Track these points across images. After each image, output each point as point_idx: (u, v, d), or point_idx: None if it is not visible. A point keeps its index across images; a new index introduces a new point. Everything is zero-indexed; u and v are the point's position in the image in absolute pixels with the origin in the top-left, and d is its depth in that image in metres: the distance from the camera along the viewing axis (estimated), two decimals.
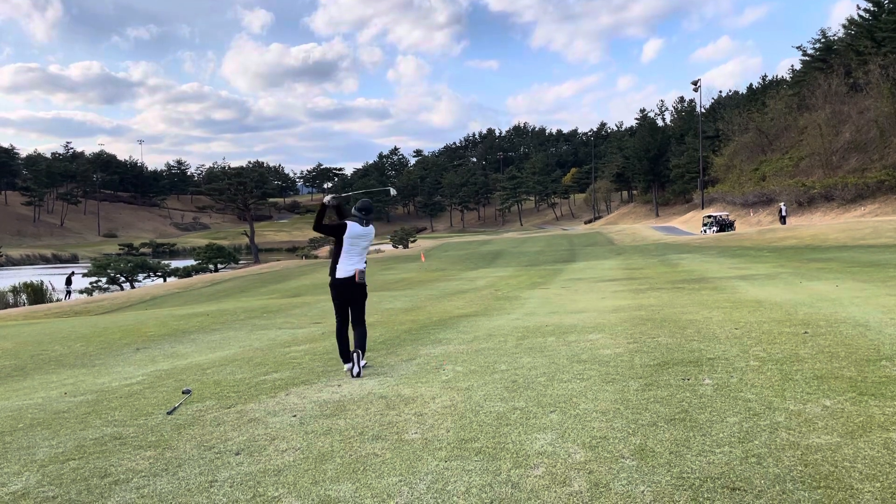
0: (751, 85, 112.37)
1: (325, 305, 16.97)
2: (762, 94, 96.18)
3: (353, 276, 6.48)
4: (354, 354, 6.36)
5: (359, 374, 6.24)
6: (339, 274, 6.59)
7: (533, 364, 6.20)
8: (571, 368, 5.88)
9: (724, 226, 50.99)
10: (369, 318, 13.16)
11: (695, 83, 77.96)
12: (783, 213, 50.47)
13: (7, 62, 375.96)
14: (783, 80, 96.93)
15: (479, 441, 4.01)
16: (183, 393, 6.11)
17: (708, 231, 51.92)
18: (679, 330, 7.78)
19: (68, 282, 40.04)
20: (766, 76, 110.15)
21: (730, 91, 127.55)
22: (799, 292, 13.17)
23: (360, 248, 6.57)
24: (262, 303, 20.44)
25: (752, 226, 54.14)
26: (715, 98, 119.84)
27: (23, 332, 13.78)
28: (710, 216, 53.75)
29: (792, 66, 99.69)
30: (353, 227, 6.60)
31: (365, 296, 6.66)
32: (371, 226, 6.71)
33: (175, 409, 5.42)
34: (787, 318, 8.47)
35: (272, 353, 8.64)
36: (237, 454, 4.07)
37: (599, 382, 5.29)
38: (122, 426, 5.01)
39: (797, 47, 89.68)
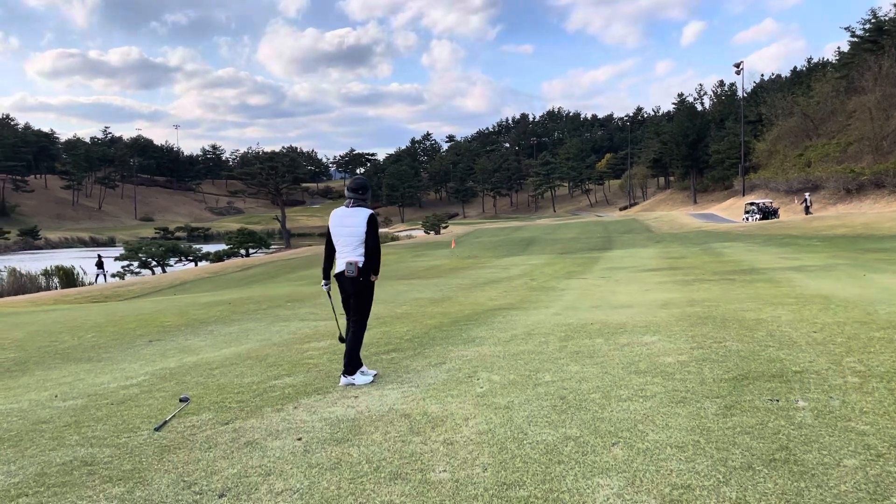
0: (795, 68, 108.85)
1: None
2: (807, 77, 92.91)
3: (344, 269, 5.62)
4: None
5: (349, 384, 5.51)
6: (336, 269, 5.80)
7: (582, 374, 5.29)
8: (630, 381, 4.96)
9: (768, 213, 49.13)
10: (397, 308, 12.36)
11: (737, 65, 75.46)
12: (807, 204, 49.04)
13: (48, 48, 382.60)
14: (829, 63, 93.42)
15: (525, 487, 3.14)
16: (180, 401, 5.35)
17: (750, 219, 50.09)
18: (747, 332, 6.80)
19: (99, 265, 40.15)
20: (811, 59, 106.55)
21: (772, 74, 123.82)
22: (867, 286, 12.01)
23: (344, 237, 5.63)
24: (288, 290, 19.81)
25: (797, 213, 52.09)
26: (757, 82, 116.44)
27: (39, 319, 13.28)
28: (752, 203, 51.86)
29: (838, 48, 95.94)
30: (334, 212, 5.81)
31: (362, 294, 5.66)
32: (360, 208, 5.69)
33: (165, 423, 4.66)
34: (869, 318, 7.42)
35: (289, 350, 7.87)
36: (221, 496, 3.26)
37: (667, 402, 4.37)
38: (100, 446, 4.25)
39: (845, 28, 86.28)
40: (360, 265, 5.56)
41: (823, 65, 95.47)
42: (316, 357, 7.13)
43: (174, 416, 4.86)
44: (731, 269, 18.35)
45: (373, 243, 5.62)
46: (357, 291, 5.63)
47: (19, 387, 6.90)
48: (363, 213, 5.63)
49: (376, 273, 5.68)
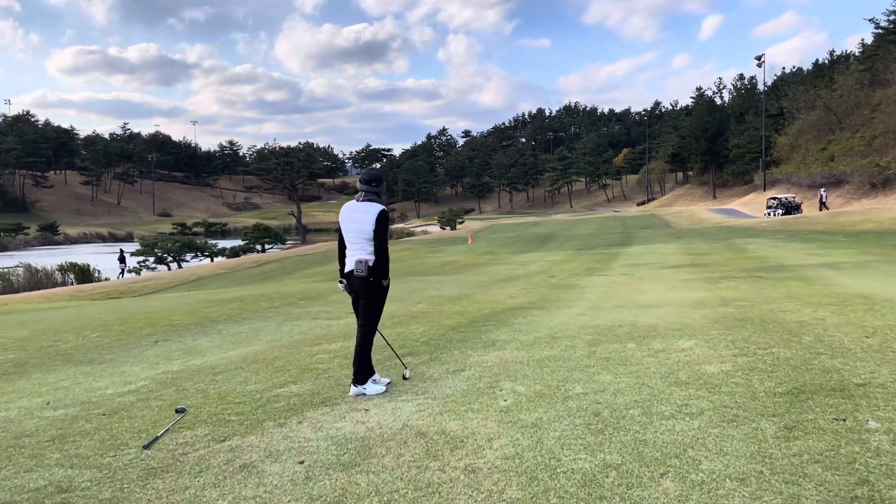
0: (817, 60, 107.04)
1: None
2: (829, 69, 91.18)
3: (353, 269, 5.16)
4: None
5: (360, 395, 5.07)
6: (346, 268, 5.34)
7: (617, 385, 4.79)
8: (671, 395, 4.45)
9: (791, 208, 48.11)
10: (413, 306, 11.87)
11: (758, 58, 74.20)
12: (823, 199, 48.13)
13: (68, 45, 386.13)
14: (852, 56, 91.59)
15: None
16: (176, 412, 4.92)
17: (772, 214, 49.10)
18: (792, 337, 6.25)
19: (121, 259, 40.36)
20: (833, 51, 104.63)
21: (793, 68, 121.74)
22: None
23: (352, 233, 5.16)
24: (302, 287, 19.40)
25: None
26: (778, 75, 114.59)
27: (46, 317, 12.97)
28: (774, 198, 50.85)
29: (862, 40, 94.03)
30: (345, 206, 5.36)
31: (372, 296, 5.17)
32: (371, 203, 5.19)
33: (156, 439, 4.22)
34: None
35: (298, 353, 7.43)
36: None
37: (717, 421, 3.86)
38: (81, 467, 3.82)
39: (869, 20, 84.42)
40: (371, 264, 5.09)
41: (846, 57, 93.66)
42: (326, 361, 6.68)
43: (167, 430, 4.43)
44: (757, 266, 17.71)
45: (380, 243, 5.12)
46: (367, 292, 5.16)
47: (13, 392, 6.52)
48: (373, 209, 5.13)
49: (384, 277, 5.18)
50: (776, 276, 14.56)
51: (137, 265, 41.61)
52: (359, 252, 5.14)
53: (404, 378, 5.48)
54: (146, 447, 4.07)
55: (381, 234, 5.10)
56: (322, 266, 34.49)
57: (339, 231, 5.42)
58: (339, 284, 5.44)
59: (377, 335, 5.35)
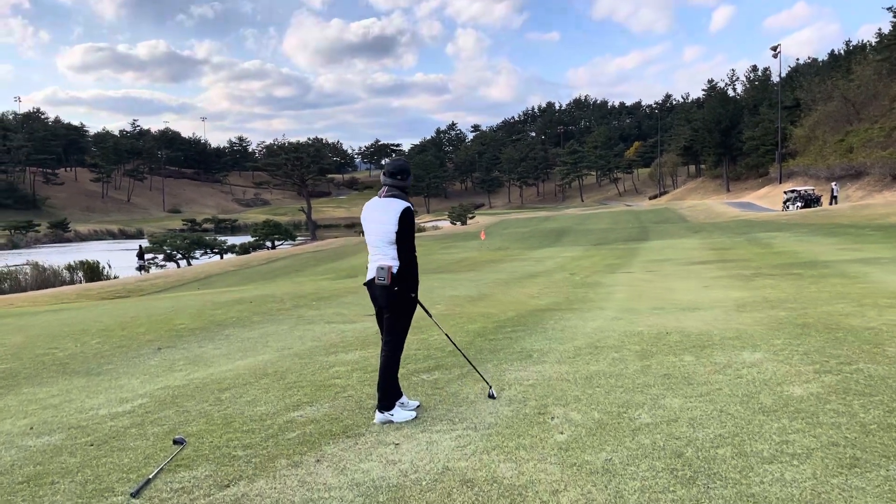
0: (833, 51, 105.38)
1: None
2: (846, 60, 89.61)
3: (375, 276, 4.44)
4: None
5: (387, 421, 4.37)
6: (368, 274, 4.61)
7: (691, 413, 4.06)
8: (762, 427, 3.72)
9: (810, 201, 47.03)
10: (431, 307, 11.01)
11: (774, 48, 72.93)
12: (834, 194, 47.30)
13: (77, 42, 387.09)
14: (868, 45, 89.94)
15: None
16: (174, 443, 4.23)
17: (791, 207, 48.05)
18: (873, 347, 5.50)
19: (140, 256, 40.27)
20: (849, 41, 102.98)
21: (807, 59, 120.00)
22: None
23: (373, 235, 4.45)
24: (314, 286, 18.74)
25: (841, 201, 49.88)
26: (792, 66, 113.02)
27: (45, 321, 12.35)
28: (793, 190, 49.77)
29: (879, 29, 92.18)
30: (368, 203, 4.62)
31: (396, 308, 4.44)
32: (394, 199, 4.45)
33: (147, 483, 3.53)
34: None
35: (312, 364, 6.75)
36: None
37: (834, 466, 3.13)
38: None
39: (888, 8, 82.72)
40: (395, 271, 4.37)
41: (863, 47, 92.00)
42: (344, 376, 5.98)
43: (161, 469, 3.74)
44: (789, 262, 16.90)
45: (405, 247, 4.38)
46: (391, 304, 4.43)
47: None
48: (396, 207, 4.38)
49: (412, 289, 4.45)
50: (813, 274, 13.76)
51: (147, 262, 41.12)
52: (381, 257, 4.43)
53: (491, 397, 4.76)
54: (134, 495, 3.38)
55: (406, 236, 4.37)
56: (333, 263, 33.86)
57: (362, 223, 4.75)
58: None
59: (405, 345, 4.60)
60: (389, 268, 4.33)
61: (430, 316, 4.88)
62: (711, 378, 4.83)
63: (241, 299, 14.25)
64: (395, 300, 4.39)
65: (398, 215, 4.35)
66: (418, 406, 4.64)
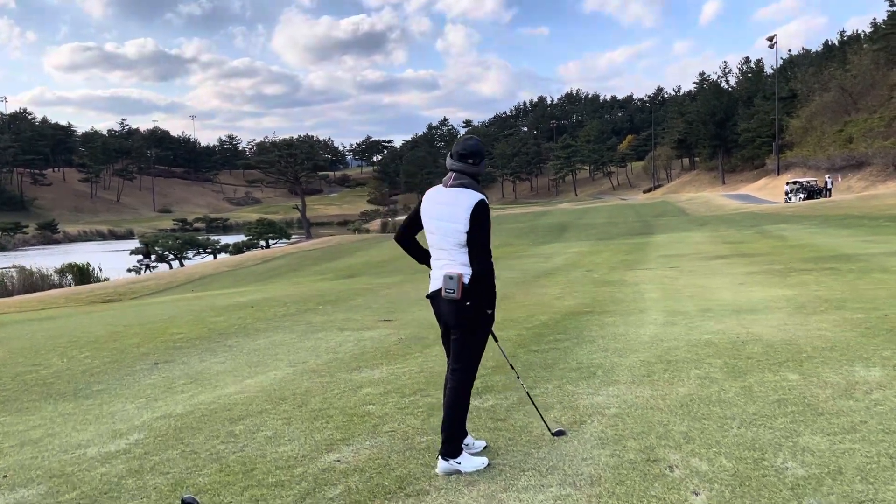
0: (827, 41, 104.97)
1: (391, 293, 14.21)
2: (839, 50, 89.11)
3: (440, 289, 3.53)
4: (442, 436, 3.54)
5: (453, 472, 3.44)
6: (430, 285, 3.71)
7: (852, 459, 3.18)
8: None
9: (813, 192, 46.39)
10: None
11: (770, 39, 72.35)
12: (829, 186, 46.96)
13: (64, 41, 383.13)
14: (866, 35, 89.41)
15: None
16: None
17: (793, 199, 47.39)
18: None
19: (146, 254, 39.56)
20: (843, 31, 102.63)
21: (801, 50, 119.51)
22: None
23: (436, 234, 3.57)
24: (316, 287, 17.80)
25: (843, 192, 49.27)
26: (786, 58, 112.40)
27: (29, 330, 11.36)
28: (795, 182, 49.13)
29: (874, 18, 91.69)
30: (429, 192, 3.71)
31: (468, 329, 3.53)
32: (464, 189, 3.54)
33: None
34: None
35: (335, 384, 5.84)
36: None
37: None
38: None
39: None
40: (466, 281, 3.47)
41: (857, 37, 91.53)
42: (378, 401, 5.07)
43: None
44: (815, 256, 16.08)
45: (479, 251, 3.47)
46: (461, 323, 3.52)
47: None
48: (467, 200, 3.47)
49: (488, 304, 3.55)
50: (851, 268, 12.95)
51: (137, 264, 40.02)
52: (447, 263, 3.52)
53: (555, 434, 3.83)
54: None
55: (480, 236, 3.45)
56: (330, 262, 32.89)
57: (407, 219, 3.79)
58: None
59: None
60: (460, 277, 3.41)
61: (496, 340, 3.90)
62: (841, 405, 3.96)
63: (241, 303, 13.31)
64: (468, 318, 3.48)
65: (470, 210, 3.43)
66: (485, 447, 3.74)
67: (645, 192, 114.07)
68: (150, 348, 8.74)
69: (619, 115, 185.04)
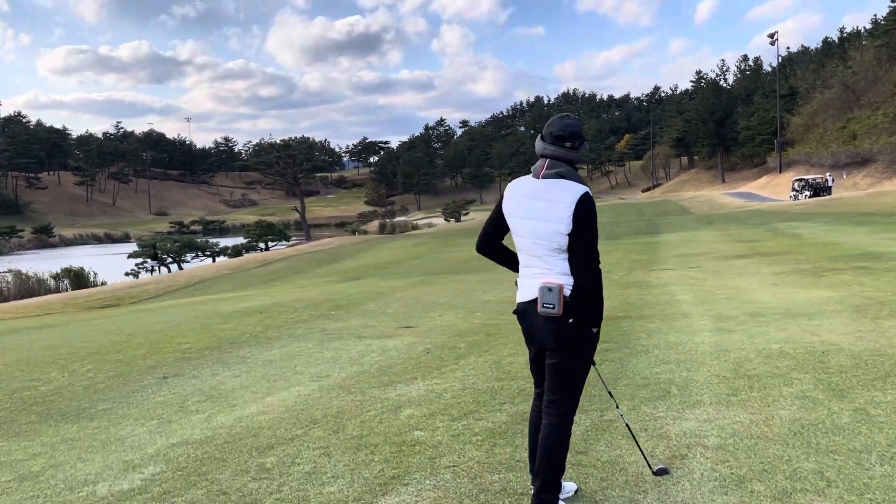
0: (826, 38, 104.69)
1: (405, 297, 13.57)
2: (839, 47, 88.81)
3: (534, 299, 2.90)
4: (533, 486, 2.90)
5: None
6: (518, 296, 3.05)
7: None
8: None
9: (819, 190, 45.91)
10: (473, 315, 9.32)
11: (771, 35, 71.93)
12: (829, 184, 46.70)
13: (59, 44, 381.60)
14: (864, 31, 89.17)
15: None
16: None
17: (800, 196, 46.89)
18: None
19: (153, 257, 39.12)
20: (843, 28, 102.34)
21: (800, 47, 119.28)
22: None
23: (528, 236, 2.91)
24: (323, 291, 17.18)
25: (849, 189, 48.79)
26: (784, 56, 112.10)
27: (25, 340, 10.71)
28: (801, 179, 48.64)
29: (875, 15, 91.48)
30: (513, 185, 3.04)
31: (570, 352, 2.89)
32: (563, 181, 2.87)
33: None
34: None
35: (369, 402, 5.23)
36: None
37: None
38: None
39: None
40: (568, 293, 2.85)
41: (857, 34, 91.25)
42: (424, 425, 4.46)
43: None
44: (843, 255, 15.51)
45: (585, 256, 2.83)
46: (562, 345, 2.88)
47: None
48: (568, 192, 2.82)
49: (594, 320, 2.90)
50: (886, 268, 12.38)
51: (135, 268, 39.33)
52: (542, 271, 2.90)
53: (656, 473, 3.16)
54: None
55: (587, 237, 2.81)
56: (333, 264, 32.22)
57: (490, 219, 3.13)
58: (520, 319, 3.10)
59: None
60: (560, 288, 2.80)
61: (594, 365, 3.20)
62: None
63: (249, 309, 12.68)
64: (571, 338, 2.86)
65: (573, 206, 2.79)
66: (576, 491, 3.13)
67: (644, 191, 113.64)
68: (157, 360, 8.12)
69: (617, 114, 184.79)
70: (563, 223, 2.80)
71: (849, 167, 54.14)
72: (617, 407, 3.33)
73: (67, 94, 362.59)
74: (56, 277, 32.05)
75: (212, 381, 6.88)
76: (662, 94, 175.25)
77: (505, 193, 3.05)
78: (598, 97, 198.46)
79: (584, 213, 2.78)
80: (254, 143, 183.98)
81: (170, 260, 41.26)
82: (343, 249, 39.75)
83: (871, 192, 41.62)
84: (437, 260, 27.58)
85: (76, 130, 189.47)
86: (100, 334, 10.62)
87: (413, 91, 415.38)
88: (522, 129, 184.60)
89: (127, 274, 38.26)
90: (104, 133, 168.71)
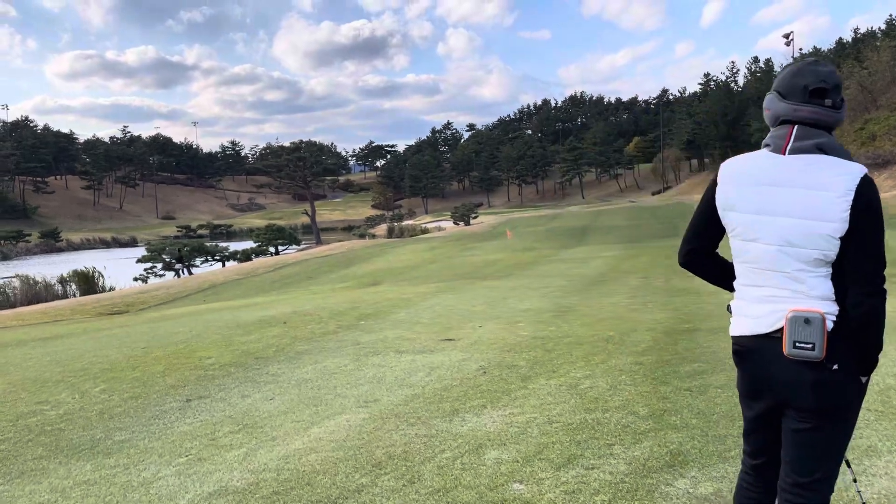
0: (840, 39, 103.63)
1: (435, 304, 12.70)
2: (853, 48, 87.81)
3: (773, 333, 1.99)
4: None
5: None
6: (735, 327, 2.16)
7: None
8: None
9: None
10: (517, 327, 8.29)
11: (786, 36, 71.21)
12: None
13: (66, 49, 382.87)
14: (876, 33, 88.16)
15: None
16: None
17: None
18: None
19: (179, 260, 38.82)
20: (857, 29, 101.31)
21: (811, 49, 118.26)
22: None
23: (773, 239, 2.00)
24: (344, 298, 16.36)
25: None
26: (797, 57, 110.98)
27: (32, 355, 9.88)
28: None
29: (890, 15, 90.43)
30: (736, 164, 2.20)
31: (833, 408, 1.98)
32: (823, 158, 1.96)
33: None
34: None
35: (440, 441, 4.39)
36: None
37: None
38: None
39: None
40: (832, 328, 1.95)
41: (872, 34, 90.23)
42: (522, 475, 3.61)
43: None
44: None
45: (869, 269, 1.94)
46: (823, 406, 1.99)
47: None
48: (842, 174, 1.95)
49: (867, 366, 2.02)
50: None
51: (144, 272, 38.61)
52: (786, 293, 2.01)
53: None
54: None
55: (872, 242, 1.95)
56: (347, 269, 31.43)
57: (694, 221, 2.26)
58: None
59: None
60: (822, 320, 1.93)
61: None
62: None
63: (269, 318, 11.85)
64: (838, 394, 1.98)
65: (850, 195, 1.90)
66: None
67: (654, 193, 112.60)
68: (178, 378, 7.30)
69: (625, 116, 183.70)
70: (834, 221, 1.91)
71: (869, 169, 52.81)
72: (855, 481, 2.42)
73: (74, 99, 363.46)
74: (63, 281, 31.29)
75: (242, 404, 6.05)
76: (670, 97, 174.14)
77: (720, 177, 2.16)
78: (606, 100, 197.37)
79: (867, 206, 1.91)
80: (260, 147, 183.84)
81: (179, 266, 40.55)
82: (355, 253, 38.95)
83: (895, 193, 40.65)
84: (455, 264, 26.75)
85: (83, 135, 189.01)
86: (112, 347, 9.80)
87: (419, 95, 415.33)
88: (529, 132, 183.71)
89: (136, 279, 37.53)
90: (111, 137, 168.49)
